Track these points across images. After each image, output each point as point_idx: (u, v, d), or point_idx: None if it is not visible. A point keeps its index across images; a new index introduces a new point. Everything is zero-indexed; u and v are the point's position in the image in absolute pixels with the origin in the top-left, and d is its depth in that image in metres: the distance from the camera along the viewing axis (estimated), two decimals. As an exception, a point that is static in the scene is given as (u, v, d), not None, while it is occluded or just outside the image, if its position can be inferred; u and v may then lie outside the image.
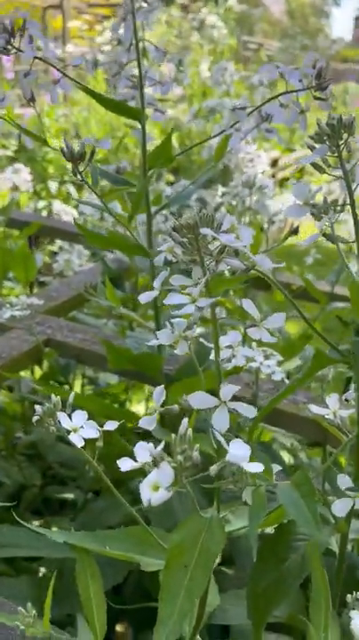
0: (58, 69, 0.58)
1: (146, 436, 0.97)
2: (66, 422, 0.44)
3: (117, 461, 0.37)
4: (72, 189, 3.05)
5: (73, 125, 3.59)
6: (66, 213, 1.81)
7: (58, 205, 1.99)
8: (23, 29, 0.55)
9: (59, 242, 1.69)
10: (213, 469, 0.35)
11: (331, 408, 0.50)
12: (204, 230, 0.38)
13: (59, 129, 3.46)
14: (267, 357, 0.67)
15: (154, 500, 0.32)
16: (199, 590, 0.39)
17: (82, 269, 1.27)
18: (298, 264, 1.15)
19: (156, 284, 0.41)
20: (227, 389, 0.38)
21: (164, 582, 0.39)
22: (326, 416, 0.51)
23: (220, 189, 1.04)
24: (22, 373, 1.11)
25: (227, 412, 0.38)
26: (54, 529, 0.97)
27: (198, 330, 0.60)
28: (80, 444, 0.43)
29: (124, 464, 0.37)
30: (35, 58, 0.56)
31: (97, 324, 1.25)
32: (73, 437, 0.43)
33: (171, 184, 1.10)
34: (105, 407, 0.93)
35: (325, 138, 0.42)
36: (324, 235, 0.44)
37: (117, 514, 0.87)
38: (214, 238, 0.40)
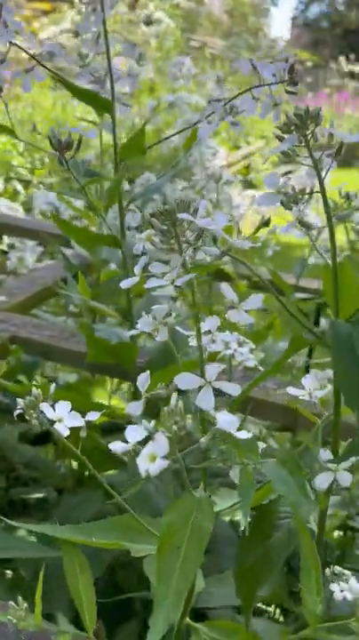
0: (34, 57, 0.58)
1: (112, 431, 0.97)
2: (50, 413, 0.44)
3: (110, 445, 0.37)
4: (19, 187, 3.00)
5: (18, 122, 3.52)
6: (10, 210, 1.78)
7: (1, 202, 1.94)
8: None
9: (7, 240, 1.66)
10: (203, 441, 0.36)
11: (308, 388, 0.52)
12: (182, 215, 0.39)
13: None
14: (240, 345, 0.69)
15: (152, 470, 0.33)
16: (193, 569, 0.40)
17: (41, 266, 1.26)
18: (258, 257, 1.17)
19: (137, 270, 0.42)
20: (212, 369, 0.38)
21: (158, 564, 0.40)
22: (301, 397, 0.53)
23: (180, 183, 1.06)
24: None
25: (211, 391, 0.39)
26: (21, 531, 0.96)
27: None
28: (66, 433, 0.43)
29: (116, 446, 0.37)
30: (11, 44, 0.55)
31: (56, 322, 1.24)
32: (58, 427, 0.43)
33: (129, 180, 1.10)
34: (75, 400, 0.92)
35: (293, 128, 0.43)
36: (300, 222, 0.45)
37: (90, 509, 0.87)
38: (191, 223, 0.40)
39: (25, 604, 0.42)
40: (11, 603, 0.41)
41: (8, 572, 0.96)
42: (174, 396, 0.36)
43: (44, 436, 1.18)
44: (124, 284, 0.41)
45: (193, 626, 0.49)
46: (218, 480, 0.84)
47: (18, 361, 0.89)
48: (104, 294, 1.07)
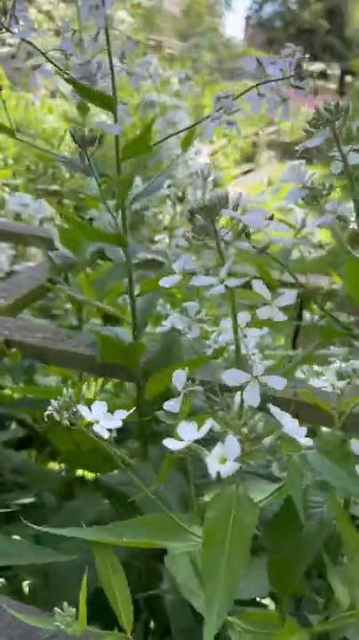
0: (43, 54, 0.57)
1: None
2: (87, 414, 0.43)
3: (165, 442, 0.37)
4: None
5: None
6: None
7: None
8: (13, 9, 0.53)
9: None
10: (267, 441, 0.36)
11: (329, 380, 0.53)
12: (227, 211, 0.39)
13: None
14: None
15: (223, 472, 0.32)
16: (240, 564, 0.40)
17: (25, 267, 1.24)
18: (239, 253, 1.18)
19: (177, 267, 0.42)
20: (261, 365, 0.39)
21: (204, 561, 0.40)
22: (323, 389, 0.54)
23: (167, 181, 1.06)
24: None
25: (258, 387, 0.39)
26: (15, 536, 0.95)
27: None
28: (106, 434, 0.43)
29: (172, 444, 0.37)
30: (24, 41, 0.54)
31: (41, 324, 1.23)
32: (97, 428, 0.43)
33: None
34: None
35: (324, 122, 0.44)
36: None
37: (91, 511, 0.87)
38: (233, 219, 0.41)
39: (72, 609, 0.41)
40: (57, 609, 0.41)
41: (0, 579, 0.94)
42: (239, 395, 0.36)
43: (26, 441, 1.17)
44: (165, 282, 0.41)
45: (227, 620, 0.49)
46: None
47: (16, 365, 0.88)
48: (94, 293, 1.06)
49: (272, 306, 0.45)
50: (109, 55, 0.66)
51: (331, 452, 0.40)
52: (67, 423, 0.46)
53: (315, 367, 0.84)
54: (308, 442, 0.36)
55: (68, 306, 1.47)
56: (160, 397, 0.82)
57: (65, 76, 0.60)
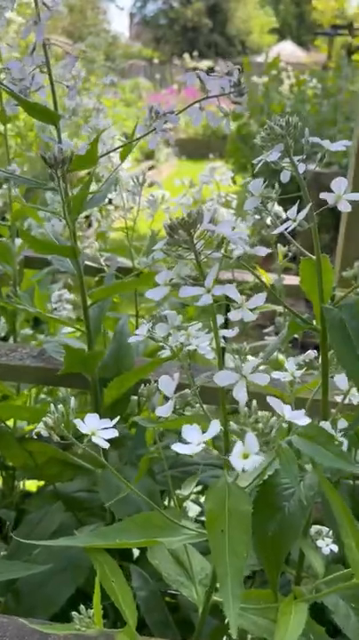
0: None
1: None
2: (84, 427, 0.45)
3: (174, 447, 0.40)
4: None
5: None
6: None
7: None
8: None
9: None
10: (274, 432, 0.39)
11: (290, 370, 0.57)
12: (206, 225, 0.42)
13: None
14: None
15: (247, 466, 0.35)
16: (242, 547, 0.43)
17: None
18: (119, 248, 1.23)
19: (160, 279, 0.44)
20: (249, 364, 0.42)
21: (212, 549, 0.43)
22: (282, 379, 0.58)
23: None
24: None
25: (245, 384, 0.43)
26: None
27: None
28: (106, 445, 0.44)
29: (180, 448, 0.39)
30: None
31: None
32: (96, 440, 0.44)
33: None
34: (21, 412, 0.91)
35: (277, 138, 0.48)
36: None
37: (54, 521, 0.87)
38: (208, 232, 0.44)
39: (91, 611, 0.43)
40: (75, 613, 0.42)
41: None
42: (244, 392, 0.39)
43: None
44: (152, 295, 0.44)
45: (219, 601, 0.53)
46: (178, 470, 0.88)
47: None
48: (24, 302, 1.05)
49: (243, 307, 0.49)
50: (49, 70, 0.67)
51: (314, 436, 0.45)
52: (58, 439, 0.48)
53: (250, 358, 0.90)
54: (308, 421, 0.40)
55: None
56: (117, 402, 0.84)
57: (10, 93, 0.61)
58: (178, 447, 0.39)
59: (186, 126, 7.17)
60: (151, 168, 6.10)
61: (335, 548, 0.63)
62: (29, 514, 0.89)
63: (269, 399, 0.40)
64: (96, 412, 0.82)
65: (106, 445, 0.44)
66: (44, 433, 0.48)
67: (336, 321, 0.49)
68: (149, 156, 6.44)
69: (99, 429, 0.45)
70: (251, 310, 0.48)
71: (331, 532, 0.66)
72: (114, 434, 0.45)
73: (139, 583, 0.78)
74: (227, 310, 1.33)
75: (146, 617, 0.76)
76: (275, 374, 0.58)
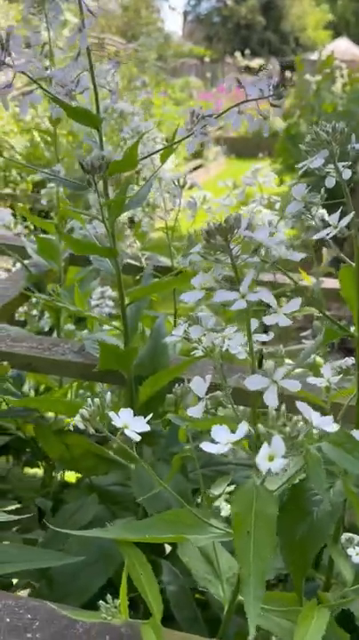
0: (36, 82, 0.59)
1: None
2: (117, 420, 0.46)
3: (203, 446, 0.40)
4: None
5: None
6: None
7: None
8: (8, 42, 0.55)
9: None
10: (302, 437, 0.40)
11: (326, 376, 0.57)
12: (245, 232, 0.43)
13: None
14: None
15: (273, 469, 0.36)
16: (267, 550, 0.44)
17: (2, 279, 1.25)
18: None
19: (196, 282, 0.45)
20: (281, 370, 0.43)
21: (236, 550, 0.44)
22: (319, 384, 0.58)
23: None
24: None
25: (276, 390, 0.43)
26: (6, 542, 0.96)
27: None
28: (137, 438, 0.46)
29: (208, 447, 0.40)
30: (19, 72, 0.56)
31: (24, 334, 1.24)
32: (128, 433, 0.46)
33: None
34: (59, 406, 0.94)
35: (322, 143, 0.48)
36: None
37: (89, 513, 0.89)
38: (246, 238, 0.44)
39: (117, 601, 0.44)
40: (102, 602, 0.44)
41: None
42: (274, 397, 0.39)
43: (1, 448, 1.18)
44: (187, 298, 0.45)
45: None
46: (211, 469, 0.89)
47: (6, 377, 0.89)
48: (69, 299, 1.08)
49: (279, 313, 0.49)
50: (92, 75, 0.69)
51: (342, 444, 0.45)
52: (94, 432, 0.49)
53: (288, 361, 0.89)
54: (336, 429, 0.40)
55: (35, 312, 1.48)
56: (152, 398, 0.85)
57: (52, 98, 0.63)
58: (206, 446, 0.40)
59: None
60: (199, 167, 6.10)
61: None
62: (66, 504, 0.91)
63: (298, 404, 0.40)
64: (132, 409, 0.85)
65: (137, 438, 0.45)
66: (81, 425, 0.49)
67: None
68: (198, 154, 6.45)
69: (131, 423, 0.46)
70: (286, 315, 0.49)
71: (361, 540, 0.66)
72: (145, 427, 0.46)
73: (169, 578, 0.79)
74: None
75: (175, 612, 0.77)
76: (312, 380, 0.58)
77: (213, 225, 0.44)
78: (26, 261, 1.19)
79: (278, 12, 17.19)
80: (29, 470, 1.22)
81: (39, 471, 1.18)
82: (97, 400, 0.48)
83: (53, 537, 0.84)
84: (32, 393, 1.21)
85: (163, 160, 0.77)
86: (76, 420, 0.48)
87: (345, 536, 0.63)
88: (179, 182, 0.99)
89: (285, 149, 3.85)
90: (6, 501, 1.09)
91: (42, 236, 1.15)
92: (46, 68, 0.92)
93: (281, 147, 4.01)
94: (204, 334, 0.49)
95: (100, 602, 0.45)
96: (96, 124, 0.68)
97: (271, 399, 0.43)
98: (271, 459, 0.37)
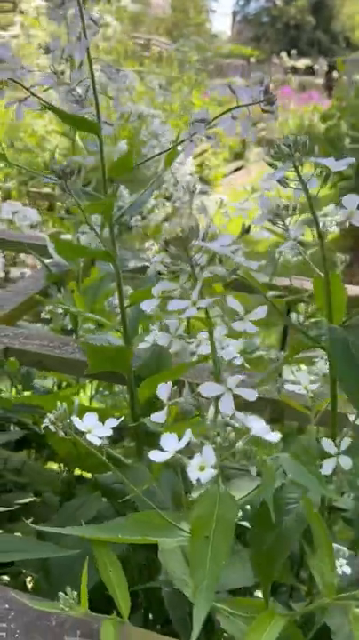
0: (27, 89, 0.61)
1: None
2: (80, 425, 0.48)
3: (150, 455, 0.41)
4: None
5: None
6: None
7: None
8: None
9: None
10: (239, 445, 0.41)
11: (303, 383, 0.57)
12: (199, 242, 0.44)
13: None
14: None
15: (202, 479, 0.37)
16: (223, 555, 0.44)
17: (21, 274, 1.29)
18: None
19: (155, 291, 0.46)
20: (233, 379, 0.43)
21: (191, 553, 0.45)
22: (297, 391, 0.58)
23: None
24: None
25: (231, 397, 0.44)
26: (17, 533, 0.99)
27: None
28: (98, 442, 0.47)
29: (155, 456, 0.41)
30: (9, 79, 0.59)
31: (39, 332, 1.27)
32: (90, 437, 0.47)
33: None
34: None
35: (284, 157, 0.49)
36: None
37: (91, 510, 0.91)
38: (202, 247, 0.45)
39: (75, 593, 0.46)
40: (61, 593, 0.46)
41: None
42: (212, 408, 0.40)
43: (25, 442, 1.22)
44: (145, 307, 0.46)
45: (215, 606, 0.54)
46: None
47: (16, 374, 0.92)
48: (85, 300, 1.11)
49: (244, 320, 0.49)
50: (93, 82, 0.70)
51: (299, 456, 0.45)
52: (63, 434, 0.51)
53: (303, 367, 0.89)
54: (276, 438, 0.40)
55: (60, 310, 1.52)
56: (152, 400, 0.87)
57: (48, 105, 0.65)
58: (154, 455, 0.41)
59: (279, 126, 7.08)
60: (240, 168, 6.08)
61: (348, 570, 0.63)
62: (70, 500, 0.94)
63: (237, 414, 0.41)
64: (132, 410, 0.86)
65: (98, 442, 0.47)
66: (52, 428, 0.51)
67: (338, 341, 0.48)
68: (239, 155, 6.43)
69: (95, 428, 0.48)
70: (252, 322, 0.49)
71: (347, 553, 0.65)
72: (108, 432, 0.48)
73: (165, 577, 0.81)
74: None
75: (170, 612, 0.79)
76: (289, 386, 0.59)
77: (169, 235, 0.45)
78: (48, 260, 1.22)
79: (328, 11, 16.92)
80: (53, 465, 1.25)
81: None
82: (64, 404, 0.49)
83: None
84: (55, 389, 1.24)
85: (168, 164, 0.78)
86: (46, 422, 0.50)
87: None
88: (190, 187, 1.00)
89: (325, 152, 3.80)
90: (23, 494, 1.13)
91: (62, 236, 1.18)
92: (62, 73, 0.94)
93: (321, 149, 3.97)
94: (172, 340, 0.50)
95: (60, 593, 0.46)
96: (95, 131, 0.70)
97: (226, 406, 0.44)
98: (202, 469, 0.38)
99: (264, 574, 0.53)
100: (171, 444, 0.41)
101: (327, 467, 0.51)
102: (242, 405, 0.87)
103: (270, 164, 0.50)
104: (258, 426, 0.40)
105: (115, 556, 0.53)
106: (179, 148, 0.73)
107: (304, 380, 0.57)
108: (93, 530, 0.55)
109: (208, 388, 0.43)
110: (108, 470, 0.96)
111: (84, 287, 1.20)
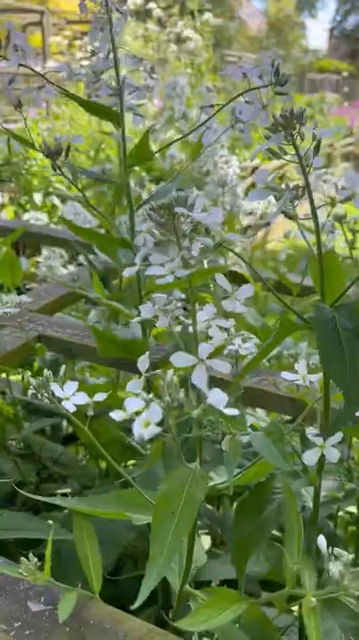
0: (42, 76, 0.63)
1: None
2: (58, 391, 0.48)
3: (111, 414, 0.41)
4: (57, 201, 3.10)
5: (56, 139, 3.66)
6: (37, 220, 1.89)
7: (29, 214, 2.05)
8: (8, 40, 0.60)
9: (44, 252, 1.75)
10: (196, 412, 0.39)
11: (301, 373, 0.55)
12: (178, 208, 0.43)
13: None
14: (244, 341, 0.72)
15: (146, 435, 0.36)
16: (185, 532, 0.43)
17: (69, 272, 1.32)
18: (272, 260, 1.21)
19: (137, 259, 0.46)
20: (204, 348, 0.42)
21: (154, 526, 0.44)
22: (296, 382, 0.56)
23: (195, 191, 1.10)
24: (13, 378, 1.15)
25: (204, 369, 0.43)
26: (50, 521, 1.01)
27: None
28: (72, 409, 0.47)
29: (116, 415, 0.41)
30: (20, 65, 0.61)
31: (73, 322, 1.31)
32: (65, 404, 0.48)
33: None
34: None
35: (280, 128, 0.47)
36: (283, 213, 0.49)
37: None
38: (188, 216, 0.44)
39: (35, 560, 0.46)
40: (23, 558, 0.46)
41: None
42: (170, 371, 0.39)
43: (72, 437, 1.24)
44: (126, 273, 0.46)
45: (191, 592, 0.52)
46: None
47: (43, 361, 0.95)
48: (127, 297, 1.12)
49: (232, 298, 0.48)
50: (117, 74, 0.72)
51: (271, 433, 0.43)
52: (47, 401, 0.51)
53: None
54: (234, 412, 0.38)
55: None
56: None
57: (64, 94, 0.66)
58: (115, 414, 0.41)
59: None
60: (280, 168, 5.92)
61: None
62: (92, 491, 0.95)
63: (194, 374, 0.40)
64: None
65: (72, 409, 0.47)
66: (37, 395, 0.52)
67: (326, 320, 0.46)
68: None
69: (71, 396, 0.48)
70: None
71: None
72: (85, 400, 0.48)
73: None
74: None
75: (159, 595, 0.78)
76: (287, 375, 0.56)
77: (156, 204, 0.44)
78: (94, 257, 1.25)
79: None
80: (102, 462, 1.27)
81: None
82: (48, 372, 0.50)
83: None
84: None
85: (194, 157, 0.78)
86: (30, 392, 0.50)
87: (334, 550, 0.60)
88: (231, 184, 1.00)
89: None
90: (64, 485, 1.16)
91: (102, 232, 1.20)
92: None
93: None
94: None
95: (22, 557, 0.47)
96: (117, 121, 0.71)
97: (198, 379, 0.43)
98: (147, 424, 0.37)
99: (239, 563, 0.51)
100: (132, 406, 0.40)
101: (309, 456, 0.48)
102: (264, 404, 0.84)
103: (265, 137, 0.48)
104: (215, 396, 0.39)
105: (92, 529, 0.53)
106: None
107: (302, 369, 0.55)
108: (74, 501, 0.55)
109: (179, 358, 0.42)
110: (130, 459, 0.97)
111: (126, 283, 1.22)
